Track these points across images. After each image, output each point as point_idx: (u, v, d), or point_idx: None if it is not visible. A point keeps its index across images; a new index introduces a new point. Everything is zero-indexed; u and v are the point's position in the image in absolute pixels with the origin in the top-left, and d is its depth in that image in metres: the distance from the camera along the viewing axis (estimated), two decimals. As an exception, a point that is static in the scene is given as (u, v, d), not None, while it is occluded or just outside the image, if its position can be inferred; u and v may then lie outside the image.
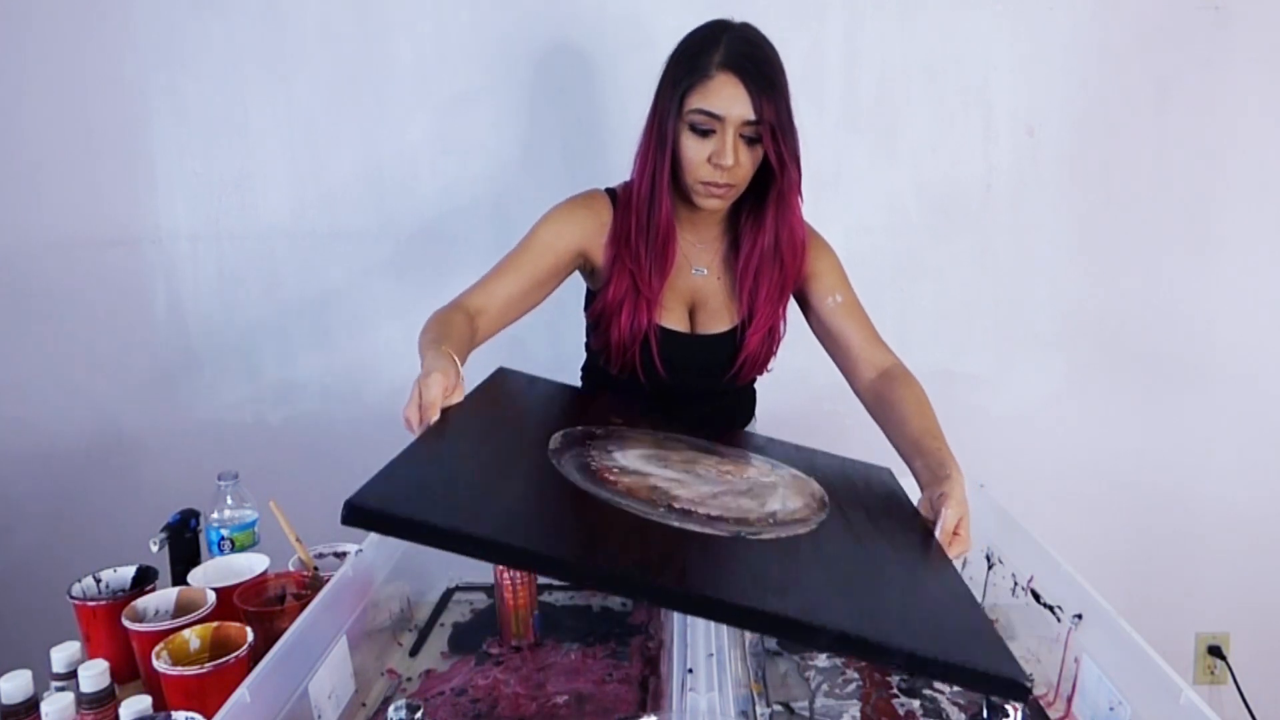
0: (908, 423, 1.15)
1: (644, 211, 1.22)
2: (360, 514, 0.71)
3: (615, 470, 0.95)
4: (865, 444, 1.85)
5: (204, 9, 1.77)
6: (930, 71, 1.78)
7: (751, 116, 1.12)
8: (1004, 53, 1.78)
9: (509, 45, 1.77)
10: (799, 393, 1.76)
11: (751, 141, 1.15)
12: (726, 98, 1.12)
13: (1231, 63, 1.77)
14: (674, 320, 1.27)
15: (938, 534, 0.99)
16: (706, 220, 1.27)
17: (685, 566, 0.81)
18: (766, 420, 1.47)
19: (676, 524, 0.86)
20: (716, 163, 1.14)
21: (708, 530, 0.87)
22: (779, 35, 1.80)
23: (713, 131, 1.14)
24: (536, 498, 0.88)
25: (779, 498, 1.00)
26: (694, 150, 1.15)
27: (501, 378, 1.18)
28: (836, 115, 1.80)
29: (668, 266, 1.24)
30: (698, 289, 1.29)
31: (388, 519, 0.72)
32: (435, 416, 0.91)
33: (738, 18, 1.19)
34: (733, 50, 1.13)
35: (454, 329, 1.09)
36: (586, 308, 1.32)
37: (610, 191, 1.29)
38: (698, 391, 1.32)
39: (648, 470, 0.98)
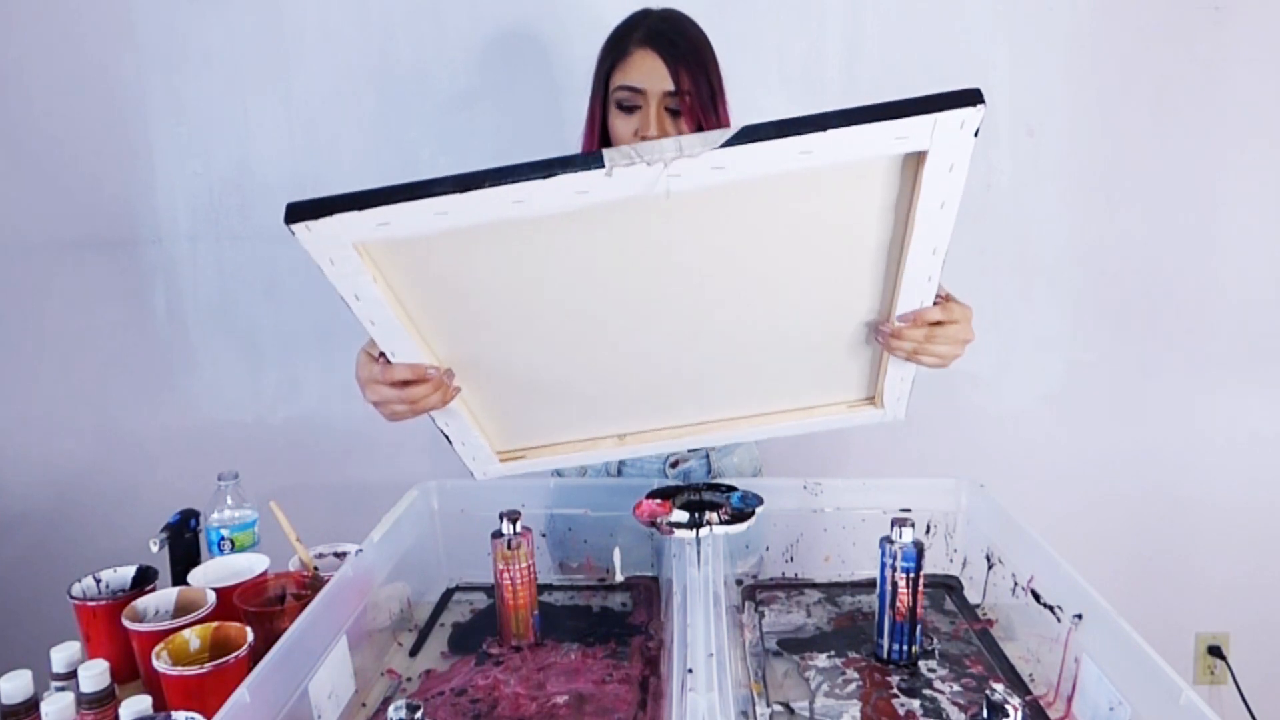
0: None
1: None
2: (298, 208, 0.79)
3: None
4: (865, 446, 1.86)
5: (204, 8, 1.77)
6: (930, 71, 1.78)
7: (670, 87, 1.16)
8: (1004, 53, 1.78)
9: (509, 45, 1.77)
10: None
11: (678, 115, 1.19)
12: (645, 70, 1.16)
13: (1231, 63, 1.77)
14: None
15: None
16: None
17: None
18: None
19: None
20: (641, 135, 1.17)
21: None
22: (779, 35, 1.79)
23: (638, 107, 1.18)
24: None
25: None
26: (622, 127, 1.19)
27: None
28: (836, 115, 1.80)
29: None
30: None
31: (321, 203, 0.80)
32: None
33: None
34: (651, 28, 1.19)
35: None
36: None
37: None
38: None
39: None
